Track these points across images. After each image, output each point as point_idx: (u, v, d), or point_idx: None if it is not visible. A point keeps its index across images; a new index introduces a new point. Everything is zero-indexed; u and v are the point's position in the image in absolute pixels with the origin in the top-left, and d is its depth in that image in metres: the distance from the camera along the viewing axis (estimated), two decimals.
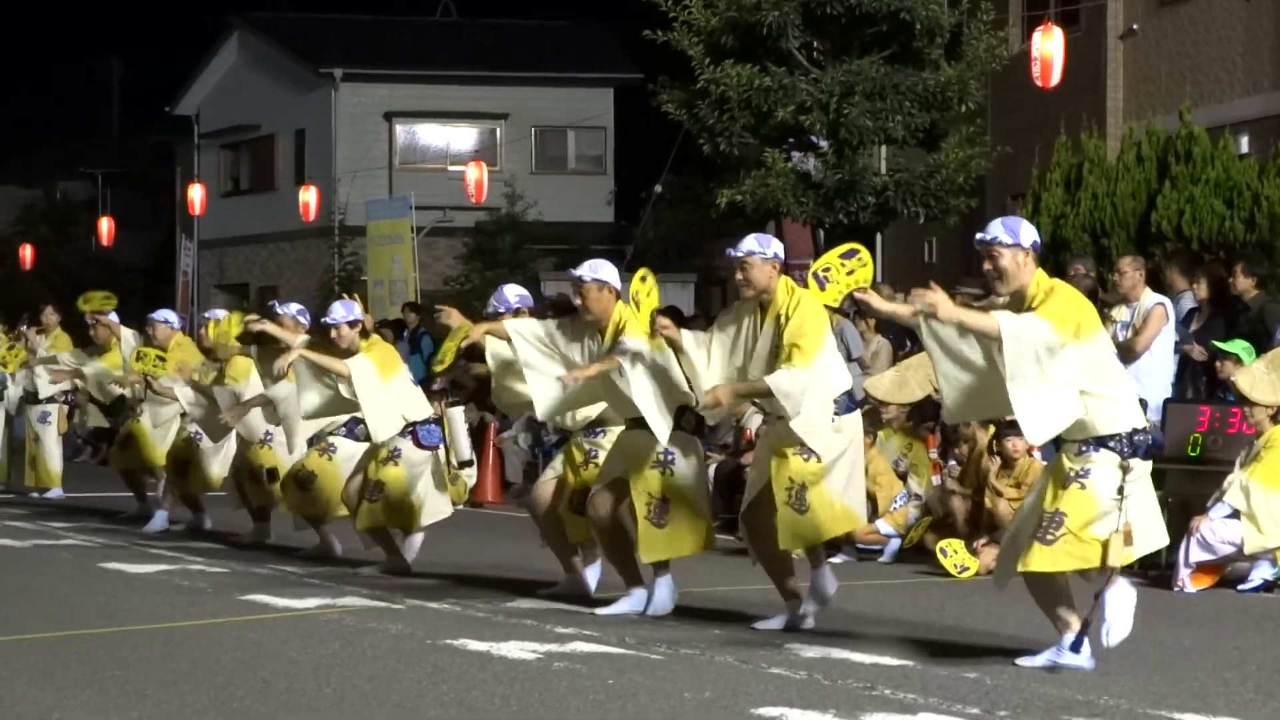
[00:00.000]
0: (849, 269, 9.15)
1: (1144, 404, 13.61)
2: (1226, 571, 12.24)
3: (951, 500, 13.84)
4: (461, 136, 41.89)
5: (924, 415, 15.26)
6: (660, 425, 10.31)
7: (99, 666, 8.66)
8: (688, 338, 10.14)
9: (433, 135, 42.09)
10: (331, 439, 13.68)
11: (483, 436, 20.52)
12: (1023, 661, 8.66)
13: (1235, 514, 12.07)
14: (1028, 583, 8.71)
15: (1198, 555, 12.11)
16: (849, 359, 16.82)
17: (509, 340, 10.96)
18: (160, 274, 46.27)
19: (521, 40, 43.21)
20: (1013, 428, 13.46)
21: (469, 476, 20.02)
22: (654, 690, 7.98)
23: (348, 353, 12.69)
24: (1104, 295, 14.70)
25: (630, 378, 10.26)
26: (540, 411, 11.08)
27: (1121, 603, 8.59)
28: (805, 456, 9.77)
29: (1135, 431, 8.58)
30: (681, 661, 8.84)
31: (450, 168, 39.56)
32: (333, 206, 39.03)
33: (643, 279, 10.78)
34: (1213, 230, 18.52)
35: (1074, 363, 8.38)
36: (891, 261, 29.94)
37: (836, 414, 9.83)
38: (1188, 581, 12.08)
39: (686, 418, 10.56)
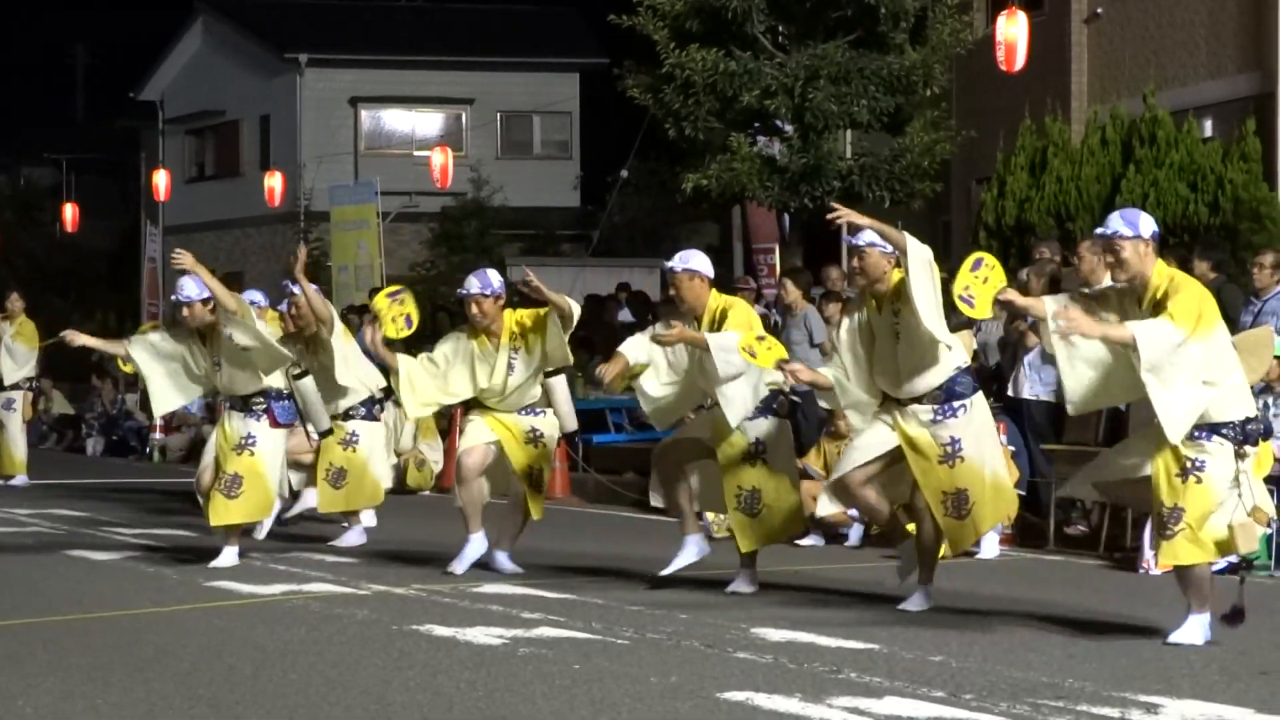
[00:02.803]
0: (983, 277, 9.45)
1: None
2: None
3: None
4: (427, 122, 41.81)
5: None
6: (736, 410, 10.57)
7: (65, 653, 8.63)
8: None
9: (398, 120, 42.01)
10: (350, 424, 13.71)
11: (450, 424, 20.49)
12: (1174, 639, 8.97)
13: None
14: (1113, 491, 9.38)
15: None
16: (811, 344, 16.86)
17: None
18: (125, 260, 46.12)
19: (487, 25, 43.14)
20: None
21: (434, 461, 19.99)
22: (620, 675, 7.99)
23: (198, 331, 12.26)
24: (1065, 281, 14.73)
25: (717, 360, 10.42)
26: (659, 425, 11.45)
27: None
28: (950, 464, 9.91)
29: (1248, 420, 8.90)
30: (648, 646, 8.85)
31: (416, 153, 39.48)
32: (298, 192, 38.93)
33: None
34: (1177, 214, 18.59)
35: (1195, 357, 8.70)
36: None
37: (966, 395, 9.98)
38: (1153, 563, 12.12)
39: (781, 402, 10.88)
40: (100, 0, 62.79)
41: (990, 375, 15.00)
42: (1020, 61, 21.37)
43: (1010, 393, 14.65)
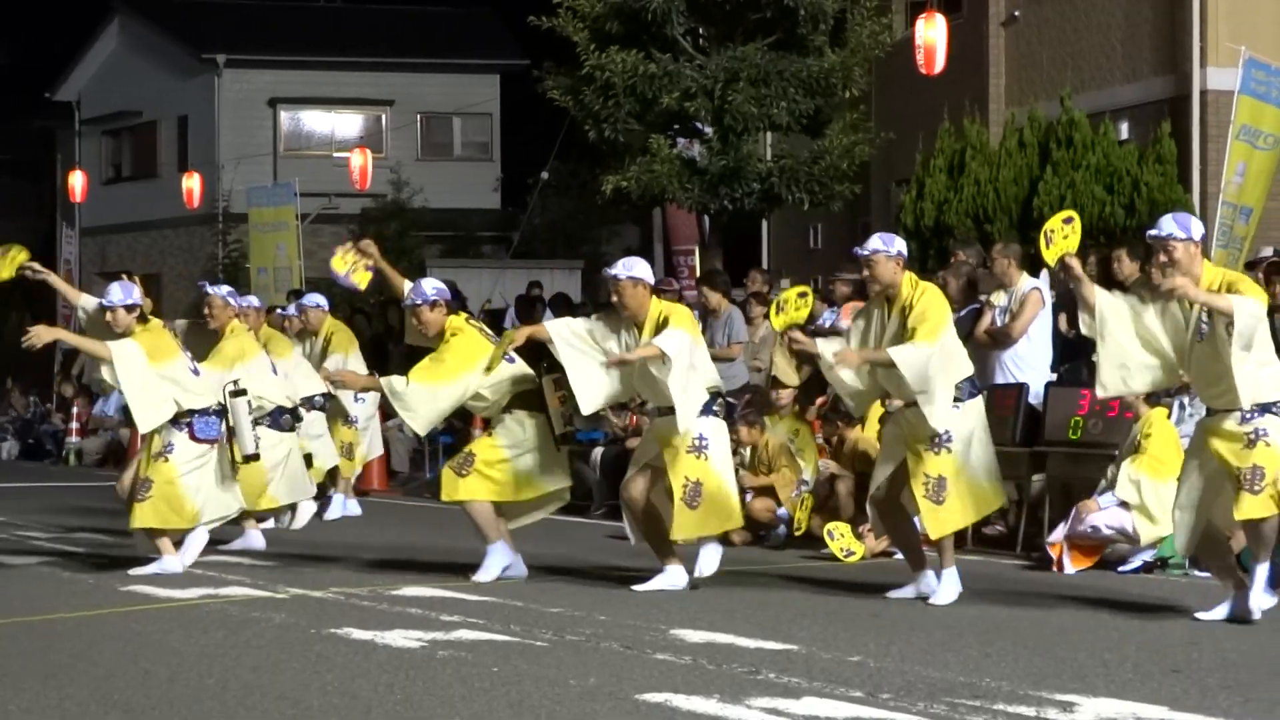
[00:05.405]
0: (1065, 234, 9.99)
1: (1025, 387, 13.83)
2: (1106, 552, 12.37)
3: (836, 484, 13.91)
4: (346, 123, 41.67)
5: (810, 398, 15.29)
6: (688, 413, 10.77)
7: None
8: (828, 343, 10.80)
9: (317, 122, 41.84)
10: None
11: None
12: (1201, 615, 9.61)
13: (1123, 503, 12.17)
14: (1200, 546, 9.71)
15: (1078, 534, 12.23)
16: (729, 344, 16.89)
17: (550, 341, 11.13)
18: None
19: (406, 26, 43.00)
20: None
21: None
22: (539, 677, 7.98)
23: (122, 337, 11.98)
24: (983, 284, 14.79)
25: (673, 367, 10.67)
26: (585, 405, 11.30)
27: None
28: (937, 450, 10.42)
29: None
30: (566, 648, 8.84)
31: (335, 154, 39.35)
32: (216, 193, 38.72)
33: (801, 295, 11.53)
34: (1093, 216, 18.74)
35: (1264, 335, 9.34)
36: (777, 247, 30.06)
37: (960, 399, 10.45)
38: (1068, 562, 12.20)
39: (720, 404, 11.09)
40: None
41: None
42: (939, 64, 21.50)
43: None
